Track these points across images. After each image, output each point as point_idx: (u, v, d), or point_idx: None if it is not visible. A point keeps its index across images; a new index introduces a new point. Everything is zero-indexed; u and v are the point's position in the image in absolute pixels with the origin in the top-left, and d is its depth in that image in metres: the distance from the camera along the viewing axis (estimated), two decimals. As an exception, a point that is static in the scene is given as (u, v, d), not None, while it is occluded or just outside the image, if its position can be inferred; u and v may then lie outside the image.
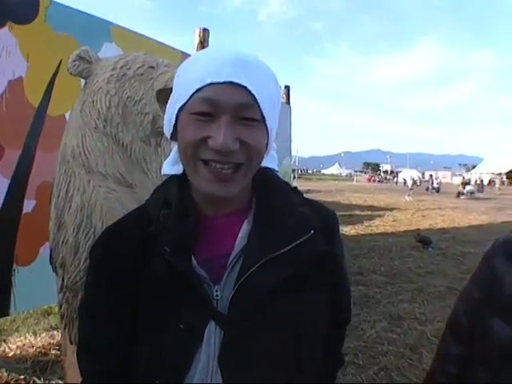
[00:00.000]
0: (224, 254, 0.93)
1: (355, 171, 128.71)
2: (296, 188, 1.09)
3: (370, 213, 15.39)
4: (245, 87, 0.84)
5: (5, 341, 3.81)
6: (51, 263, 2.00)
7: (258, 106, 0.87)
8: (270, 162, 1.05)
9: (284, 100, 7.85)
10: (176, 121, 0.93)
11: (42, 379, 3.13)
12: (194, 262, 0.91)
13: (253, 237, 0.94)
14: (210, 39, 4.41)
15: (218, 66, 0.85)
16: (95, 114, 1.88)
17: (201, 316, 0.89)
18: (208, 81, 0.84)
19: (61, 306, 1.99)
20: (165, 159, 1.08)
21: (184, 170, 0.97)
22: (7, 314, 2.92)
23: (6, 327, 4.10)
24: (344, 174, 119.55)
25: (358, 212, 15.47)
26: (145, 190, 1.93)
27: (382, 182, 52.95)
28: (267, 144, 0.95)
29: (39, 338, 3.92)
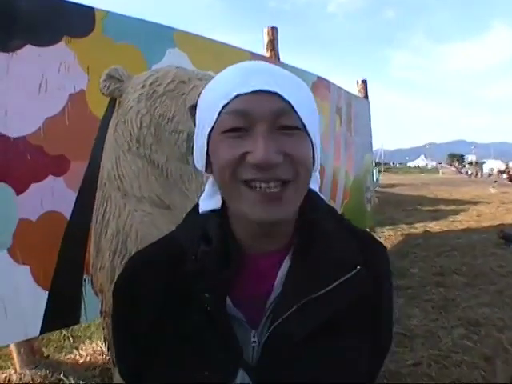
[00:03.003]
0: (264, 295, 0.83)
1: (440, 163, 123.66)
2: (341, 216, 0.95)
3: (454, 207, 14.87)
4: (276, 93, 0.75)
5: (76, 348, 3.91)
6: (92, 287, 1.98)
7: (295, 112, 0.76)
8: (311, 182, 0.90)
9: (362, 94, 7.59)
10: (207, 148, 0.82)
11: (107, 387, 3.17)
12: (230, 303, 0.81)
13: (289, 278, 0.83)
14: (279, 37, 4.27)
15: (244, 78, 0.76)
16: (127, 135, 1.82)
17: (229, 364, 0.80)
18: (234, 93, 0.75)
19: (103, 329, 1.98)
20: (205, 177, 0.95)
21: (223, 204, 0.88)
22: (78, 323, 2.98)
23: (79, 333, 4.23)
24: (429, 166, 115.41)
25: (443, 207, 15.07)
26: (185, 211, 1.84)
27: (471, 176, 45.17)
28: (313, 157, 0.83)
29: (110, 345, 4.01)
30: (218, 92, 0.78)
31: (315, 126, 0.83)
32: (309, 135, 0.80)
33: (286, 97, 0.75)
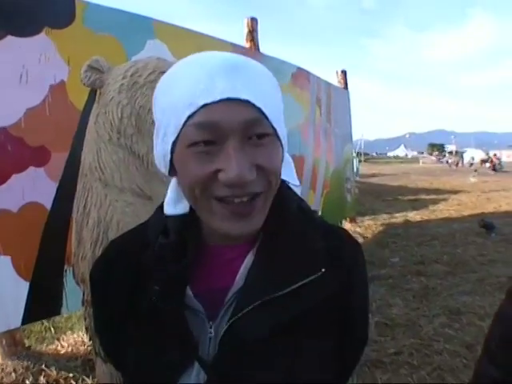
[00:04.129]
0: (225, 288, 0.81)
1: (421, 153, 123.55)
2: (314, 212, 0.92)
3: (435, 196, 14.84)
4: (247, 101, 0.68)
5: (58, 339, 3.89)
6: (74, 277, 2.00)
7: (267, 118, 0.71)
8: (284, 170, 0.85)
9: (341, 85, 7.62)
10: (172, 156, 0.75)
11: (90, 377, 3.14)
12: (190, 293, 0.79)
13: (252, 273, 0.80)
14: (258, 28, 4.29)
15: (208, 81, 0.68)
16: (108, 125, 1.83)
17: (184, 356, 0.79)
18: (201, 103, 0.67)
19: (85, 319, 2.00)
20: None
21: (190, 209, 0.81)
22: (59, 314, 2.98)
23: (61, 325, 4.20)
24: (410, 156, 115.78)
25: (423, 196, 15.06)
26: (165, 202, 1.87)
27: (451, 165, 43.07)
28: (282, 157, 0.79)
29: (91, 336, 3.98)
30: (178, 97, 0.70)
31: (282, 122, 0.78)
32: (278, 137, 0.76)
33: (258, 104, 0.69)
